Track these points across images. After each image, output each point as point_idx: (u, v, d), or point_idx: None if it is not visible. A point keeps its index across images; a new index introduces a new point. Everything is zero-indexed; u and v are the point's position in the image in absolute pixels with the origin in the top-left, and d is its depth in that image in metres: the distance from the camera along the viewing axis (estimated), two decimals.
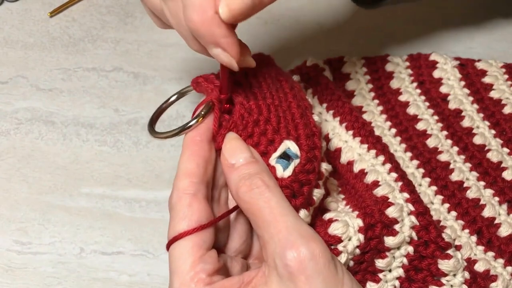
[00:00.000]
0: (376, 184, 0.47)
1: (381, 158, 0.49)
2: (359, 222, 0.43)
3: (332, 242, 0.42)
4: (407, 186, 0.47)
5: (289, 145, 0.41)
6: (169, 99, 0.46)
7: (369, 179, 0.47)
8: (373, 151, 0.49)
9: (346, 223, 0.43)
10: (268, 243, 0.36)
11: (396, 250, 0.45)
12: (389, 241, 0.44)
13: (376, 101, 0.57)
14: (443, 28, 0.67)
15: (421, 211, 0.46)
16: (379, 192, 0.46)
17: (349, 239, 0.43)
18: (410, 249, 0.45)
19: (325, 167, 0.43)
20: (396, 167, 0.49)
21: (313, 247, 0.35)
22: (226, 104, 0.42)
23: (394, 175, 0.48)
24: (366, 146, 0.49)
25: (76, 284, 0.51)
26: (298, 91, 0.45)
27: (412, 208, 0.46)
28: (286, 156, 0.41)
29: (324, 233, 0.42)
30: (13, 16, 0.67)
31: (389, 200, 0.45)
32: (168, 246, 0.39)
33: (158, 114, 0.45)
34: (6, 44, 0.65)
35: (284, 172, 0.40)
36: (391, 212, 0.44)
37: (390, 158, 0.49)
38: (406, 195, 0.46)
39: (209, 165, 0.41)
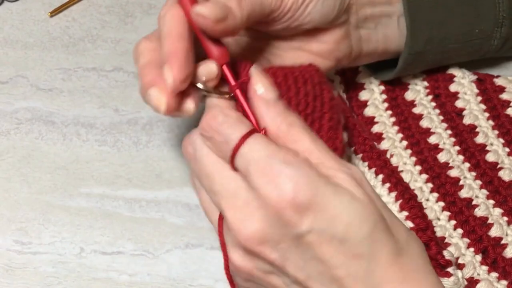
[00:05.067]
0: None
1: (380, 177, 0.49)
2: None
3: None
4: (407, 203, 0.47)
5: None
6: None
7: None
8: (372, 169, 0.49)
9: None
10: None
11: None
12: None
13: (389, 112, 0.56)
14: None
15: (422, 227, 0.45)
16: None
17: None
18: None
19: None
20: (395, 183, 0.48)
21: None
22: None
23: (393, 194, 0.48)
24: (367, 163, 0.50)
25: (76, 284, 0.51)
26: (338, 103, 0.44)
27: (412, 225, 0.45)
28: None
29: None
30: (13, 16, 0.67)
31: None
32: None
33: None
34: (6, 44, 0.65)
35: None
36: None
37: (389, 175, 0.49)
38: (405, 213, 0.46)
39: None
